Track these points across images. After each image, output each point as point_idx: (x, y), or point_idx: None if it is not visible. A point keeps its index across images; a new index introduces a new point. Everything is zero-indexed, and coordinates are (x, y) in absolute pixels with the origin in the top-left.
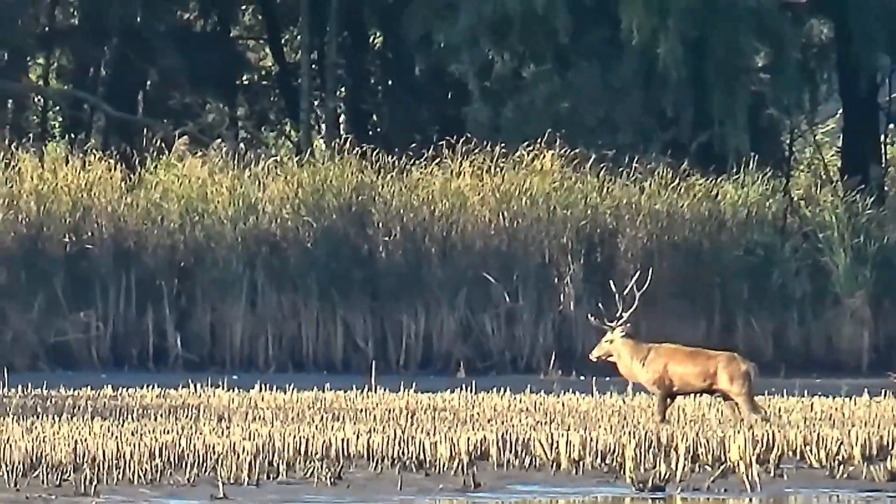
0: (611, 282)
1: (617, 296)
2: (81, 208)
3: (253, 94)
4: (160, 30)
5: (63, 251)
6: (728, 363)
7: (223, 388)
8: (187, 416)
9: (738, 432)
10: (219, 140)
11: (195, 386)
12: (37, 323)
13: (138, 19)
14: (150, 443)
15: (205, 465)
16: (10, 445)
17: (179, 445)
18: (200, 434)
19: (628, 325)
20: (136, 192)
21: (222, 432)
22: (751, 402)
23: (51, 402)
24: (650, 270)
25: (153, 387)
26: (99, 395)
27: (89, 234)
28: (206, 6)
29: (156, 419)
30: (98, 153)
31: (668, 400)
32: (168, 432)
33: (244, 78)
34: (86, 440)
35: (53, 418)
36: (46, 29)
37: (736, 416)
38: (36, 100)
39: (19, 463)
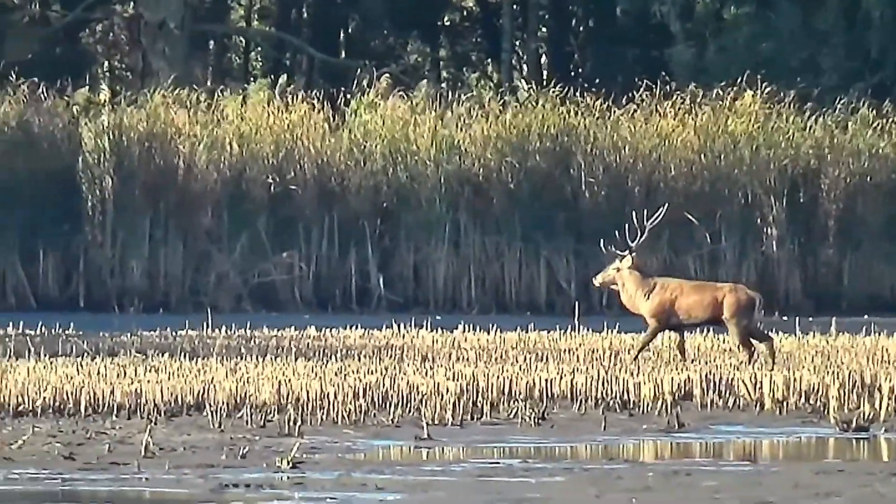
0: (632, 212)
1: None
2: (284, 150)
3: (455, 35)
4: None
5: (266, 193)
6: (733, 292)
7: (427, 328)
8: (391, 356)
9: None
10: (421, 81)
11: (399, 326)
12: (240, 264)
13: None
14: (353, 383)
15: (409, 405)
16: (215, 386)
17: (383, 386)
18: (404, 375)
19: (635, 254)
20: (338, 132)
21: (426, 373)
22: (742, 335)
23: (254, 342)
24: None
25: (357, 327)
26: (302, 335)
27: (292, 175)
28: None
29: (359, 360)
30: (301, 94)
31: (655, 336)
32: (372, 373)
33: (446, 19)
34: (289, 381)
35: (257, 359)
36: None
37: (769, 351)
38: (238, 41)
39: (223, 403)
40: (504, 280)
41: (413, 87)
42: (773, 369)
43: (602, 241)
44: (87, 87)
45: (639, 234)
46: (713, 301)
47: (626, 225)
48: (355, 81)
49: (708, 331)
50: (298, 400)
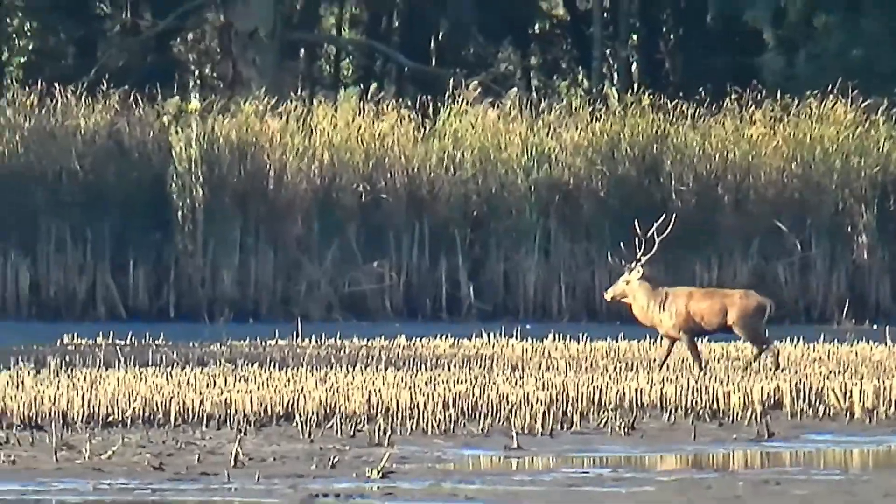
0: (636, 223)
1: (640, 240)
2: (374, 158)
3: (545, 43)
4: None
5: (357, 201)
6: (743, 297)
7: (516, 337)
8: (481, 365)
9: None
10: (511, 88)
11: (488, 335)
12: (331, 273)
13: None
14: (443, 393)
15: (498, 414)
16: (305, 396)
17: (473, 395)
18: (494, 384)
19: (645, 267)
20: (429, 141)
21: (516, 382)
22: (752, 336)
23: (344, 351)
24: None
25: (446, 336)
26: (392, 344)
27: (383, 183)
28: None
29: (449, 369)
30: (391, 102)
31: (672, 346)
32: (462, 382)
33: (536, 26)
34: (379, 390)
35: (347, 368)
36: None
37: (774, 361)
38: (329, 50)
39: (313, 413)
40: (594, 288)
41: (503, 95)
42: (779, 370)
43: (609, 253)
44: (178, 96)
45: (647, 246)
46: (723, 307)
47: (635, 237)
48: (446, 89)
49: (798, 340)
50: (388, 410)
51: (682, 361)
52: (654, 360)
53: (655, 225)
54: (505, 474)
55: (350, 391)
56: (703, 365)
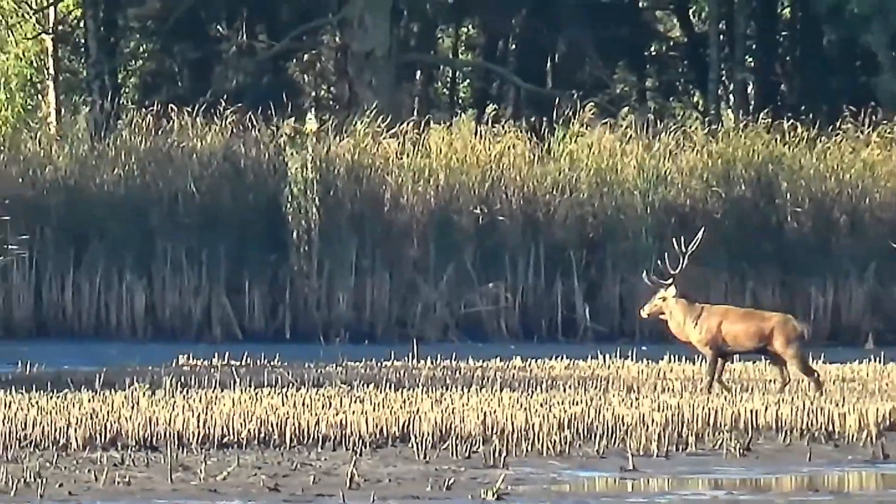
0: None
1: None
2: (491, 179)
3: (661, 65)
4: (569, 1)
5: (473, 223)
6: (783, 324)
7: (632, 359)
8: (596, 387)
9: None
10: (627, 110)
11: (604, 357)
12: (447, 294)
13: None
14: (559, 414)
15: (614, 436)
16: (420, 417)
17: (589, 417)
18: (609, 405)
19: (679, 284)
20: (545, 162)
21: (631, 403)
22: (803, 363)
23: (460, 373)
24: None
25: (562, 358)
26: (508, 366)
27: (499, 205)
28: None
29: (565, 390)
30: (507, 124)
31: (719, 362)
32: (577, 403)
33: (652, 49)
34: (495, 412)
35: (462, 389)
36: (457, 0)
37: (784, 378)
38: (445, 71)
39: (429, 434)
40: None
41: (619, 117)
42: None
43: (645, 271)
44: (294, 117)
45: (680, 261)
46: (759, 331)
47: (666, 252)
48: (562, 111)
49: None
50: (504, 431)
51: (798, 383)
52: (770, 382)
53: (694, 241)
54: (620, 496)
55: (465, 412)
56: (711, 387)
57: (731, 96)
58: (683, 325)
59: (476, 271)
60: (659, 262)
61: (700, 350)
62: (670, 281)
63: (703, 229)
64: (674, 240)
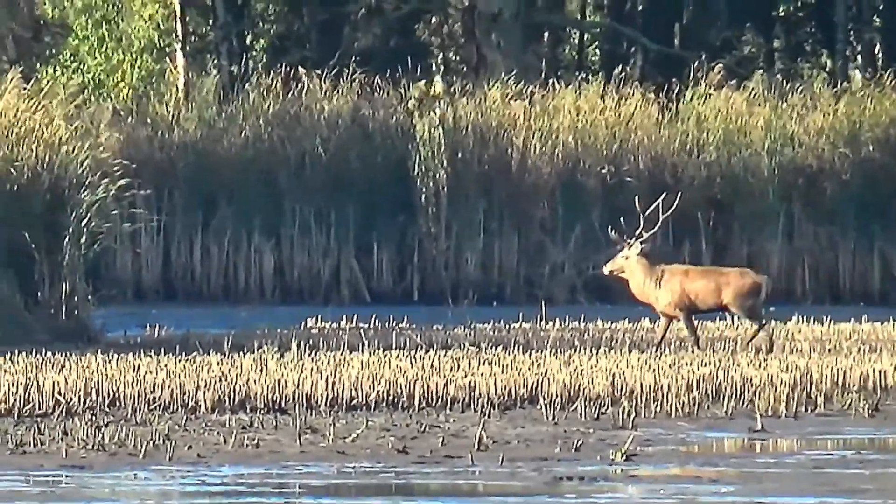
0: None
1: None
2: (618, 141)
3: (789, 26)
4: None
5: (601, 184)
6: (739, 276)
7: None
8: (724, 348)
9: None
10: (756, 72)
11: (731, 318)
12: (574, 256)
13: None
14: (687, 375)
15: (742, 397)
16: (549, 379)
17: (717, 378)
18: (738, 366)
19: (645, 244)
20: (672, 124)
21: (759, 364)
22: (753, 315)
23: (588, 334)
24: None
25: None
26: (636, 327)
27: (626, 167)
28: None
29: (693, 352)
30: (635, 85)
31: (669, 324)
32: (705, 365)
33: (781, 10)
34: (623, 373)
35: (591, 351)
36: None
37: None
38: (572, 33)
39: (557, 396)
40: (838, 271)
41: (747, 79)
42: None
43: (609, 226)
44: (422, 80)
45: (649, 224)
46: (718, 286)
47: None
48: (690, 73)
49: None
50: (632, 392)
51: None
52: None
53: (657, 202)
54: (749, 457)
55: (594, 374)
56: (699, 343)
57: (859, 57)
58: (643, 285)
59: (604, 232)
60: (622, 220)
61: (668, 313)
62: (635, 241)
63: (664, 194)
64: (637, 200)
